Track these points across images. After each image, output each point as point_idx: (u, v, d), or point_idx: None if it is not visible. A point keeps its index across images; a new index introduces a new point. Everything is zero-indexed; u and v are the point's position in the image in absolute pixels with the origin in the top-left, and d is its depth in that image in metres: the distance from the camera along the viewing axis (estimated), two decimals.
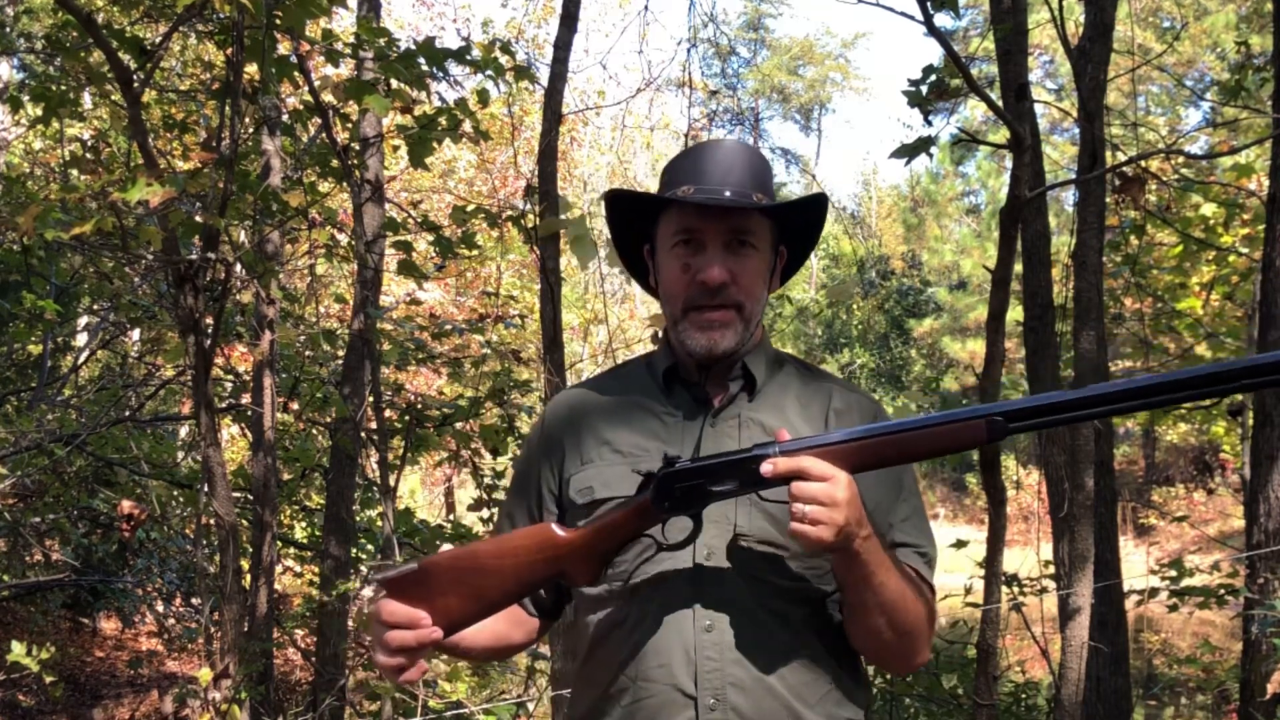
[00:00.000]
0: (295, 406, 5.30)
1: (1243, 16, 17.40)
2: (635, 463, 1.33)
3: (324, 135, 4.03)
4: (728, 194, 1.32)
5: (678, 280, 1.35)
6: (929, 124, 3.02)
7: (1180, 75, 17.02)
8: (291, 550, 6.74)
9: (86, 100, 6.11)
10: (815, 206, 1.41)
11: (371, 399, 3.91)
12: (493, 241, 5.84)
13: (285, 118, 4.66)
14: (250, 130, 4.61)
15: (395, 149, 5.91)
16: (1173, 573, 4.28)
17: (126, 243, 3.03)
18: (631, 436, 1.37)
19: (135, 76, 2.95)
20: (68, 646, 7.22)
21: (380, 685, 3.41)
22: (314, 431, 5.85)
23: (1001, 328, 2.86)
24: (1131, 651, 4.85)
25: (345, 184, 3.97)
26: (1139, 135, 5.33)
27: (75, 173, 3.88)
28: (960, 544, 4.30)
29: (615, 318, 12.43)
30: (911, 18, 2.73)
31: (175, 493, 6.30)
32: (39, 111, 3.63)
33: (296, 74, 3.68)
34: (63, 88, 3.67)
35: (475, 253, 4.46)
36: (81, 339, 8.74)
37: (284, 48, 3.89)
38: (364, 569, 4.69)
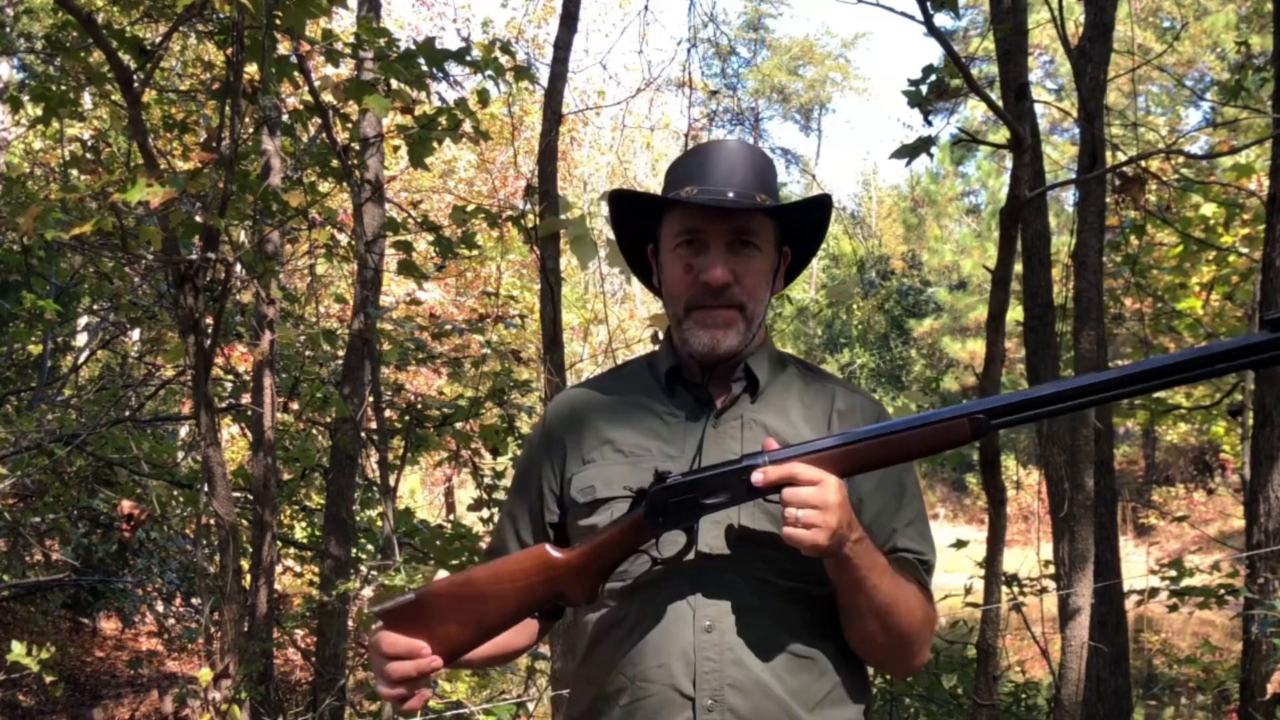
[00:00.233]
0: (295, 406, 5.30)
1: (1243, 16, 17.40)
2: (637, 462, 1.33)
3: (324, 135, 4.03)
4: (731, 194, 1.32)
5: (680, 280, 1.35)
6: (929, 124, 3.02)
7: (1180, 75, 17.03)
8: (291, 550, 6.74)
9: (86, 100, 6.11)
10: (819, 207, 1.41)
11: (371, 399, 3.91)
12: (493, 241, 5.84)
13: (285, 118, 4.65)
14: (250, 130, 4.61)
15: (395, 149, 5.90)
16: (1173, 573, 4.28)
17: (126, 243, 3.03)
18: (633, 436, 1.37)
19: (135, 76, 2.96)
20: (68, 646, 7.22)
21: None
22: (314, 431, 5.85)
23: (1001, 328, 2.86)
24: (1131, 651, 4.85)
25: (345, 184, 3.97)
26: (1139, 135, 5.33)
27: (75, 173, 3.87)
28: (960, 544, 4.31)
29: (615, 318, 12.43)
30: (911, 18, 2.73)
31: (175, 493, 6.30)
32: (39, 111, 3.63)
33: (296, 74, 3.68)
34: (63, 88, 3.67)
35: (475, 253, 4.46)
36: (81, 339, 8.74)
37: (284, 48, 3.89)
38: (364, 569, 4.69)
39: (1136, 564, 6.74)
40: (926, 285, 25.44)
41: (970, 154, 22.57)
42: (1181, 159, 5.80)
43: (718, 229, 1.33)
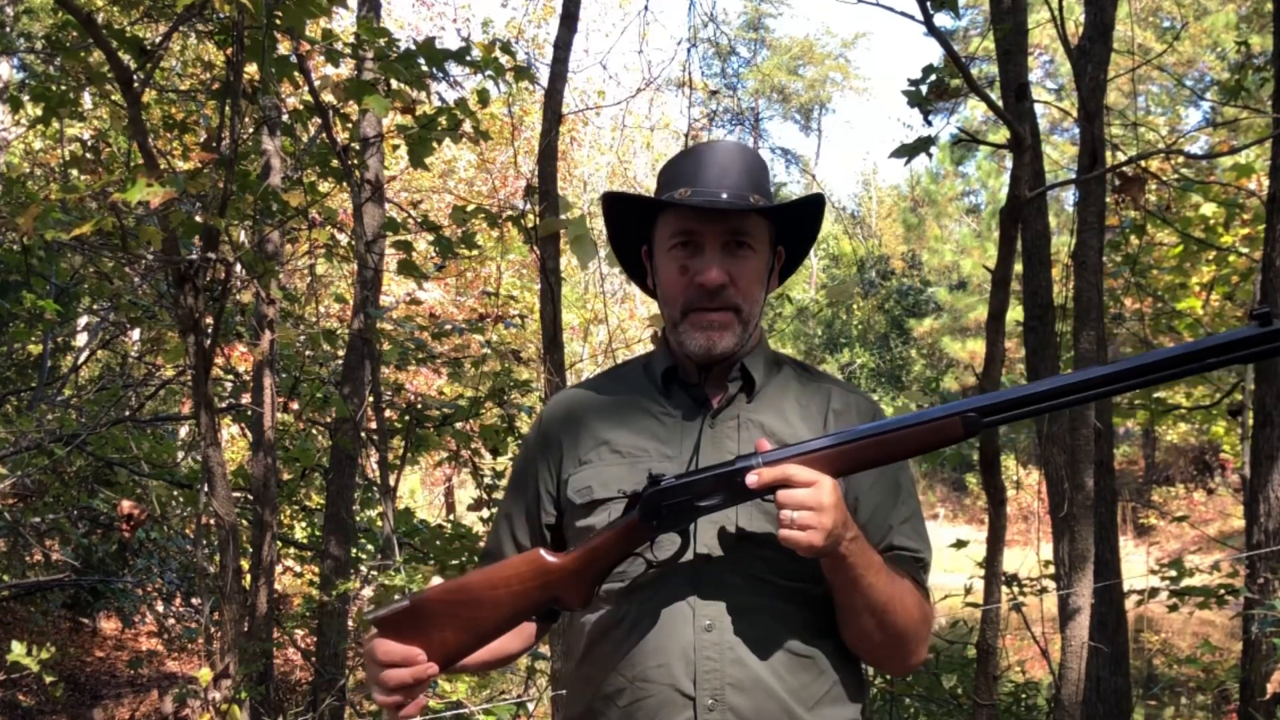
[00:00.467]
0: (295, 406, 5.30)
1: (1243, 16, 17.40)
2: (634, 463, 1.33)
3: (324, 135, 4.03)
4: (725, 196, 1.32)
5: (676, 282, 1.35)
6: (929, 124, 3.02)
7: (1180, 75, 17.02)
8: (291, 550, 6.74)
9: (86, 100, 6.11)
10: (812, 206, 1.41)
11: (371, 399, 3.91)
12: (493, 241, 5.84)
13: (285, 118, 4.65)
14: (250, 130, 4.61)
15: (395, 149, 5.91)
16: (1173, 573, 4.28)
17: (126, 243, 3.03)
18: (630, 437, 1.37)
19: (135, 76, 2.95)
20: (68, 646, 7.22)
21: None
22: (314, 431, 5.85)
23: (1001, 328, 2.86)
24: (1131, 651, 4.86)
25: (345, 184, 3.97)
26: (1139, 135, 5.33)
27: (75, 173, 3.88)
28: (960, 544, 4.31)
29: (615, 318, 12.43)
30: (911, 18, 2.73)
31: (175, 493, 6.30)
32: (39, 111, 3.63)
33: (296, 74, 3.68)
34: (63, 88, 3.68)
35: (475, 253, 4.46)
36: (81, 339, 8.74)
37: (284, 48, 3.89)
38: (364, 569, 4.69)
39: (1136, 564, 6.73)
40: (926, 285, 25.44)
41: (970, 154, 22.58)
42: (1181, 159, 5.80)
43: (712, 230, 1.33)
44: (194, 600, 6.94)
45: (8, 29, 7.88)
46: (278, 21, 3.10)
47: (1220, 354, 1.14)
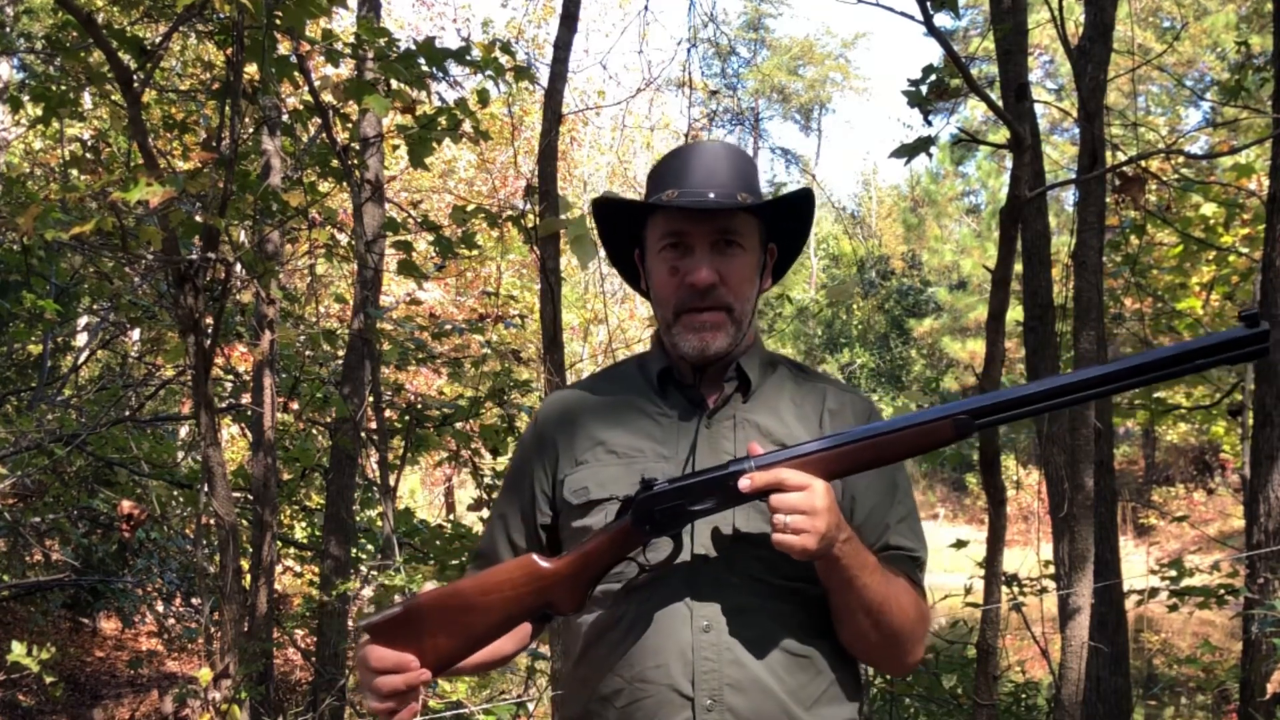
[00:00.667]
0: (295, 406, 5.30)
1: (1243, 16, 17.40)
2: (630, 463, 1.33)
3: (324, 135, 4.03)
4: (712, 195, 1.32)
5: (667, 284, 1.36)
6: (929, 124, 3.02)
7: (1180, 75, 17.02)
8: (291, 550, 6.74)
9: (86, 100, 6.11)
10: (801, 201, 1.41)
11: (371, 399, 3.91)
12: (493, 241, 5.84)
13: (285, 118, 4.66)
14: (250, 130, 4.61)
15: (395, 149, 5.91)
16: (1173, 573, 4.27)
17: (126, 243, 3.03)
18: (626, 437, 1.37)
19: (135, 76, 2.96)
20: (68, 646, 7.23)
21: None
22: (314, 431, 5.85)
23: (1001, 328, 2.86)
24: (1131, 651, 4.86)
25: (345, 184, 3.97)
26: (1139, 135, 5.32)
27: (75, 173, 3.88)
28: (960, 544, 4.31)
29: (615, 318, 12.43)
30: (911, 18, 2.73)
31: (175, 493, 6.31)
32: (39, 111, 3.63)
33: (296, 74, 3.68)
34: (63, 88, 3.68)
35: (475, 253, 4.46)
36: (81, 339, 8.74)
37: (284, 48, 3.89)
38: (364, 569, 4.69)
39: (1136, 564, 6.74)
40: (926, 285, 25.45)
41: (970, 154, 22.58)
42: (1181, 159, 5.80)
43: (701, 230, 1.33)
44: (194, 600, 6.94)
45: (8, 29, 7.88)
46: (278, 21, 3.10)
47: (1209, 355, 1.15)
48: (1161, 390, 6.89)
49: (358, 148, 4.13)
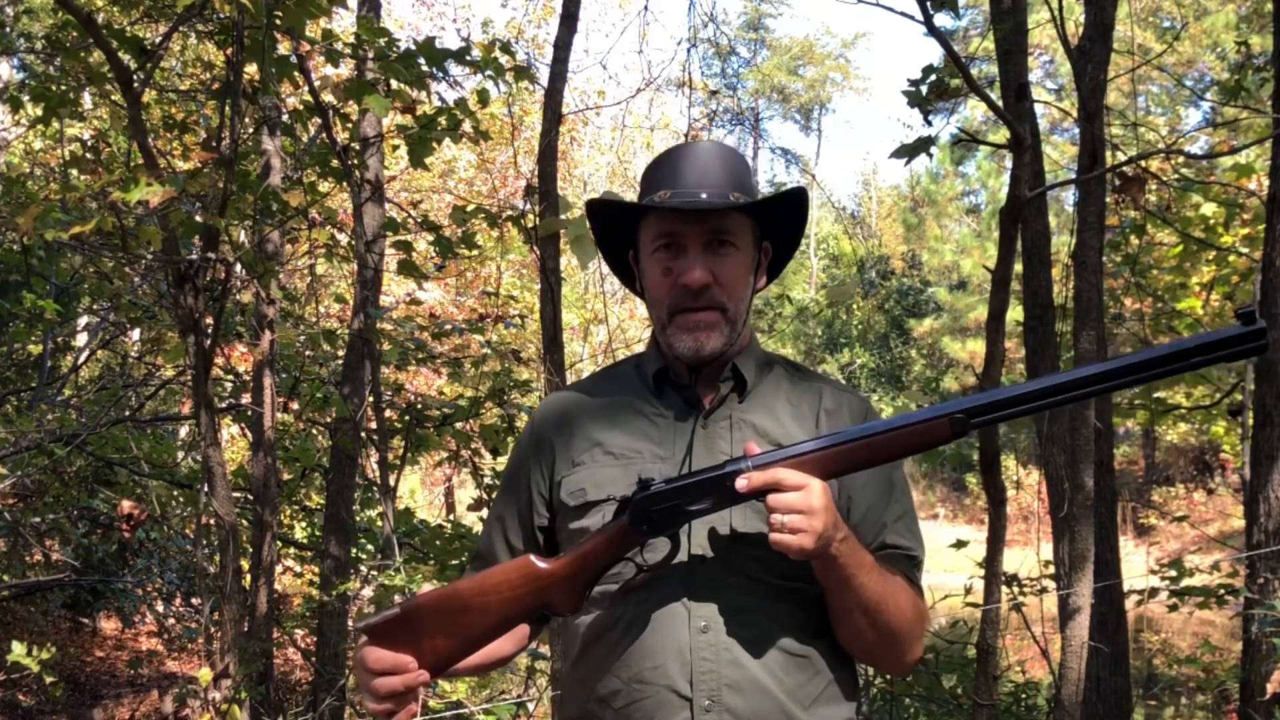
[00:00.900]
0: (295, 406, 5.30)
1: (1243, 16, 17.40)
2: (627, 464, 1.33)
3: (324, 135, 4.03)
4: (704, 195, 1.33)
5: (660, 284, 1.36)
6: (929, 124, 3.02)
7: (1180, 75, 17.02)
8: (291, 550, 6.74)
9: (86, 100, 6.11)
10: (794, 200, 1.41)
11: (371, 399, 3.91)
12: (493, 241, 5.84)
13: (285, 118, 4.66)
14: (250, 130, 4.61)
15: (395, 149, 5.91)
16: (1173, 573, 4.27)
17: (126, 243, 3.03)
18: (623, 438, 1.37)
19: (135, 76, 2.95)
20: (68, 646, 7.23)
21: None
22: (314, 431, 5.85)
23: (1001, 328, 2.86)
24: (1131, 651, 4.86)
25: (345, 184, 3.97)
26: (1139, 135, 5.33)
27: (75, 173, 3.88)
28: (960, 544, 4.31)
29: (615, 318, 12.43)
30: (911, 18, 2.73)
31: (175, 493, 6.31)
32: (39, 111, 3.63)
33: (296, 74, 3.68)
34: (63, 88, 3.68)
35: (475, 253, 4.46)
36: (81, 339, 8.74)
37: (284, 48, 3.89)
38: (364, 569, 4.69)
39: (1136, 564, 6.74)
40: (926, 285, 25.45)
41: (970, 154, 22.58)
42: (1181, 159, 5.80)
43: (693, 231, 1.33)
44: (194, 600, 6.94)
45: (8, 29, 7.88)
46: (278, 21, 3.10)
47: (1207, 353, 1.15)
48: (1161, 390, 6.88)
49: (358, 148, 4.13)
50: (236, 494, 5.04)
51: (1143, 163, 3.54)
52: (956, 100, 4.21)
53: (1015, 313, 4.00)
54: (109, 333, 7.79)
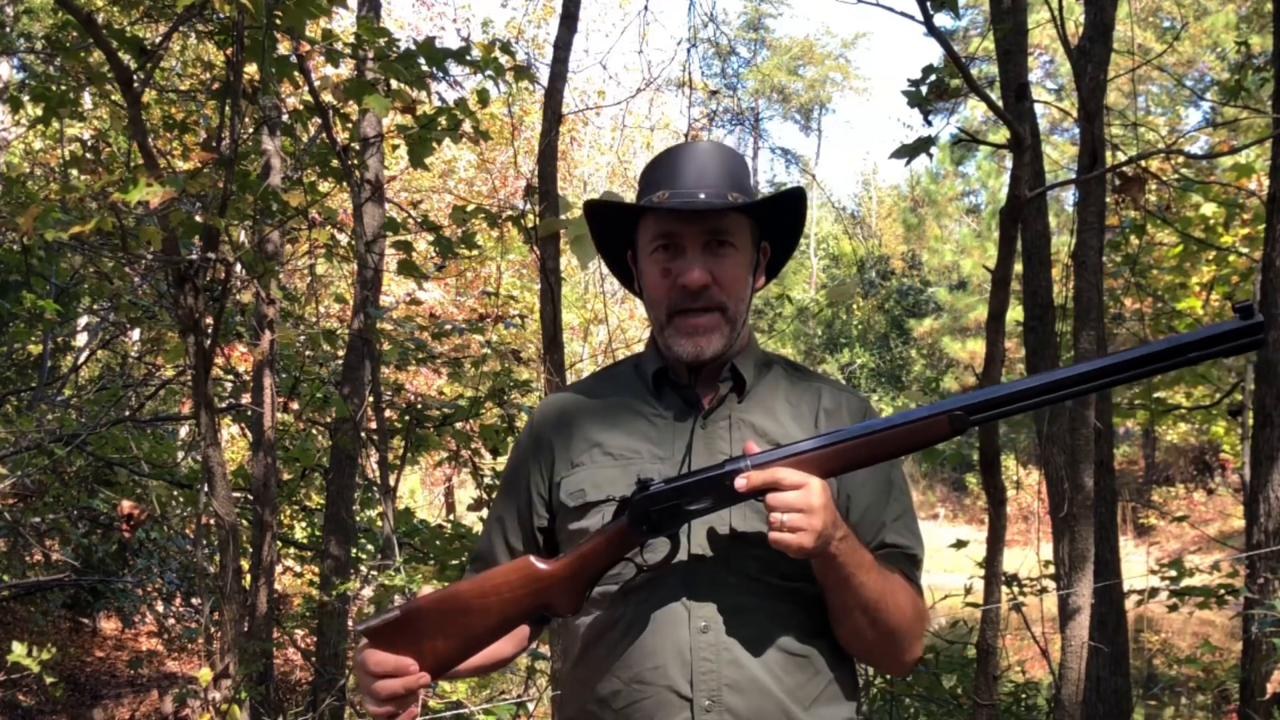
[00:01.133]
0: (295, 406, 5.30)
1: (1243, 16, 17.40)
2: (626, 465, 1.33)
3: (324, 135, 4.03)
4: (702, 196, 1.33)
5: (659, 285, 1.36)
6: (929, 124, 3.02)
7: (1180, 75, 17.02)
8: (291, 550, 6.74)
9: (86, 100, 6.11)
10: (792, 200, 1.41)
11: (371, 399, 3.91)
12: (493, 241, 5.84)
13: (285, 118, 4.65)
14: (250, 130, 4.61)
15: (395, 149, 5.91)
16: (1173, 573, 4.27)
17: (126, 243, 3.03)
18: (622, 438, 1.37)
19: (135, 76, 2.95)
20: (68, 646, 7.23)
21: None
22: (314, 431, 5.85)
23: (1001, 328, 2.85)
24: (1131, 651, 4.86)
25: (345, 184, 3.97)
26: (1139, 135, 5.32)
27: (75, 173, 3.88)
28: (960, 544, 4.31)
29: (615, 318, 12.43)
30: (911, 18, 2.73)
31: (175, 493, 6.31)
32: (39, 111, 3.63)
33: (296, 74, 3.68)
34: (63, 88, 3.68)
35: (475, 253, 4.46)
36: (81, 339, 8.74)
37: (284, 48, 3.89)
38: (364, 569, 4.69)
39: (1136, 564, 6.74)
40: (926, 285, 25.45)
41: (970, 154, 22.58)
42: (1181, 159, 5.80)
43: (692, 231, 1.33)
44: (194, 600, 6.94)
45: (8, 29, 7.88)
46: (278, 21, 3.10)
47: (1204, 347, 1.15)
48: (1162, 390, 6.89)
49: (358, 148, 4.13)
50: (236, 494, 5.04)
51: (1143, 163, 3.54)
52: (956, 100, 4.21)
53: (1015, 313, 4.00)
54: (109, 333, 7.79)
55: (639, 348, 1.53)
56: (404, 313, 5.48)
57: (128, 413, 6.10)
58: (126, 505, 5.66)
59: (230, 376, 6.08)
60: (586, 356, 12.27)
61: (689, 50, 4.38)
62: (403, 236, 4.15)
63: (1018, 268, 3.48)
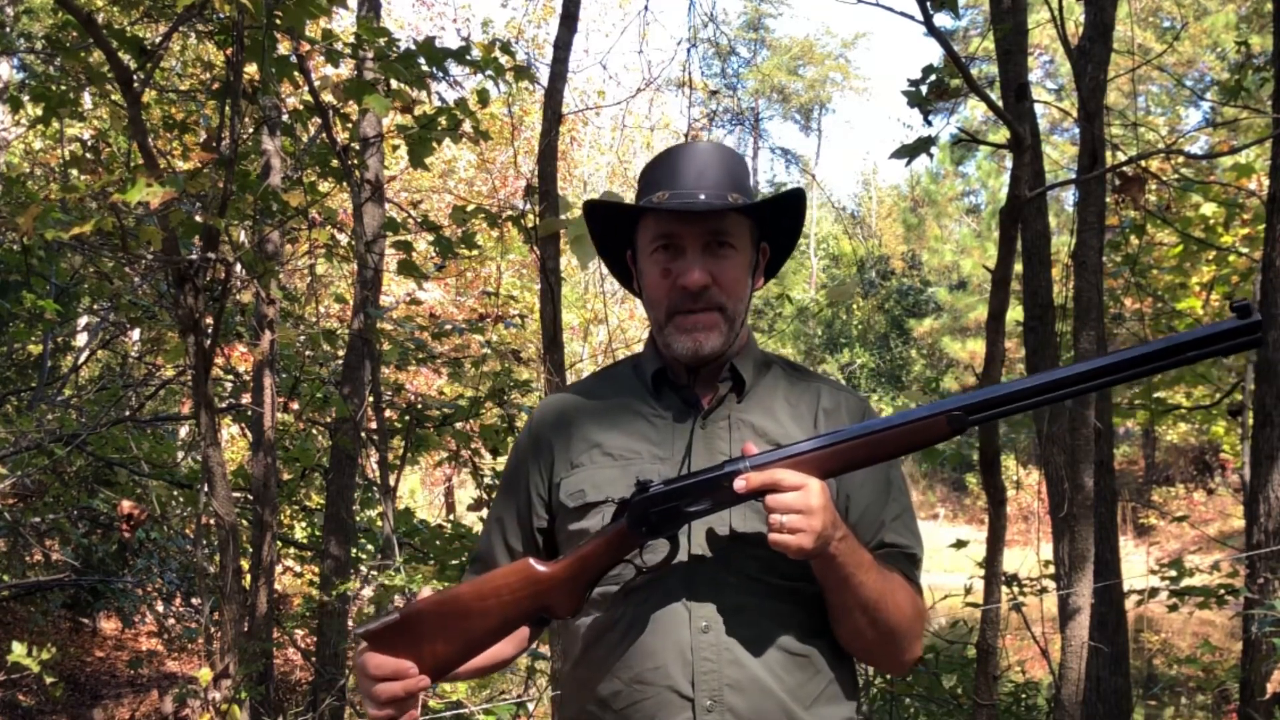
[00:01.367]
0: (295, 406, 5.30)
1: (1243, 16, 17.40)
2: (626, 465, 1.33)
3: (324, 135, 4.03)
4: (702, 196, 1.33)
5: (659, 285, 1.36)
6: (929, 124, 3.02)
7: (1180, 75, 17.02)
8: (291, 550, 6.74)
9: (86, 100, 6.11)
10: (792, 201, 1.41)
11: (371, 399, 3.91)
12: (493, 241, 5.84)
13: (285, 118, 4.65)
14: (250, 130, 4.61)
15: (395, 149, 5.91)
16: (1173, 573, 4.27)
17: (126, 243, 3.03)
18: (621, 439, 1.37)
19: (135, 76, 2.96)
20: (68, 646, 7.23)
21: None
22: (314, 431, 5.85)
23: (1001, 328, 2.85)
24: (1131, 651, 4.86)
25: (345, 184, 3.97)
26: (1139, 135, 5.32)
27: (75, 173, 3.87)
28: (960, 544, 4.31)
29: (615, 318, 12.43)
30: (911, 18, 2.73)
31: (175, 493, 6.30)
32: (39, 111, 3.63)
33: (296, 74, 3.68)
34: (63, 88, 3.68)
35: (475, 253, 4.46)
36: (81, 339, 8.74)
37: (284, 48, 3.89)
38: (364, 569, 4.69)
39: (1136, 564, 6.74)
40: (926, 285, 25.45)
41: (970, 154, 22.58)
42: (1181, 159, 5.80)
43: (692, 232, 1.33)
44: (194, 600, 6.94)
45: (8, 29, 7.88)
46: (278, 21, 3.10)
47: (1203, 346, 1.15)
48: (1161, 390, 6.89)
49: (358, 148, 4.13)
50: (236, 494, 5.04)
51: (1143, 163, 3.54)
52: (956, 100, 4.21)
53: (1015, 313, 4.00)
54: (109, 333, 7.79)
55: (639, 348, 1.53)
56: (404, 313, 5.48)
57: (128, 413, 6.10)
58: (126, 505, 5.66)
59: (230, 376, 6.08)
60: (586, 356, 12.28)
61: (689, 50, 4.39)
62: (403, 236, 4.15)
63: (1018, 268, 3.48)
